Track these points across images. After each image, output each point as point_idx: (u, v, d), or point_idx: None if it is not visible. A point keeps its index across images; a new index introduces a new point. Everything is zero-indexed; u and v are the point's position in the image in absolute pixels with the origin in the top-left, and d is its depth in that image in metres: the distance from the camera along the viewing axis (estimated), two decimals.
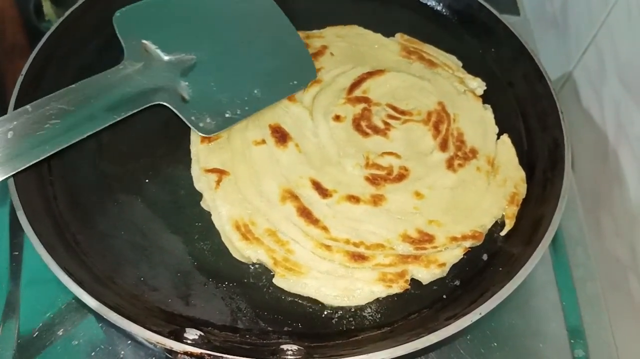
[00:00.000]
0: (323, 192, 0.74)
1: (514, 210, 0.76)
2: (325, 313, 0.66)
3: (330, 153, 0.78)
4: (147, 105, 0.73)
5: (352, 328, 0.65)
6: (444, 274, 0.70)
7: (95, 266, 0.67)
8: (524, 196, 0.77)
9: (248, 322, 0.64)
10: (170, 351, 0.58)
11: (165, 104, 0.74)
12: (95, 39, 0.88)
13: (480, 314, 0.61)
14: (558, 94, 0.83)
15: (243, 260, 0.69)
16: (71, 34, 0.85)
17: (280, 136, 0.78)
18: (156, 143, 0.78)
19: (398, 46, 0.92)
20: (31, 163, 0.66)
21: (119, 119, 0.71)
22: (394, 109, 0.83)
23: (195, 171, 0.75)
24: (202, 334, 0.60)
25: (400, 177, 0.76)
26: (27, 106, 0.67)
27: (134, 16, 0.79)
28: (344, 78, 0.86)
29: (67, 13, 0.86)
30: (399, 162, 0.78)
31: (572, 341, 0.74)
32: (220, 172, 0.74)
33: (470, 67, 0.90)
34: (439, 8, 0.99)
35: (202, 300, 0.65)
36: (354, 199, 0.73)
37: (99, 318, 0.68)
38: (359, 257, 0.69)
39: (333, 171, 0.76)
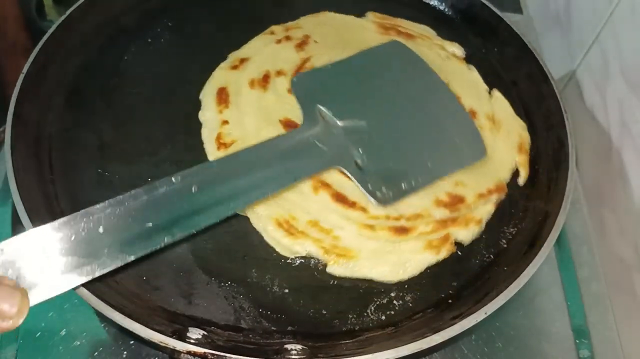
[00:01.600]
0: None
1: (524, 158, 0.80)
2: (329, 313, 0.66)
3: None
4: (324, 169, 0.72)
5: (357, 327, 0.64)
6: (482, 230, 0.73)
7: None
8: (529, 143, 0.82)
9: (251, 321, 0.64)
10: (173, 351, 0.57)
11: (343, 169, 0.72)
12: (96, 38, 0.87)
13: (485, 313, 0.61)
14: (561, 92, 0.83)
15: (291, 256, 0.70)
16: (72, 33, 0.85)
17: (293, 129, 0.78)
18: (160, 143, 0.78)
19: (373, 25, 0.94)
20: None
21: (289, 184, 0.70)
22: None
23: None
24: (205, 333, 0.60)
25: None
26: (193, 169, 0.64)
27: (310, 81, 0.80)
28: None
29: (68, 12, 0.85)
30: None
31: (577, 341, 0.74)
32: None
33: (473, 66, 0.90)
34: (441, 7, 0.99)
35: (205, 299, 0.65)
36: None
37: (102, 317, 0.68)
38: (402, 230, 0.71)
39: None
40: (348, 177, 0.72)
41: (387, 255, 0.69)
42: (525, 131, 0.83)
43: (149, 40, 0.90)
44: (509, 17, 0.92)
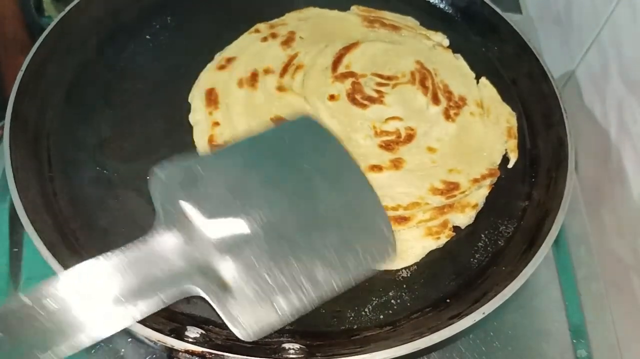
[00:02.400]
0: None
1: (513, 143, 0.82)
2: (327, 312, 0.66)
3: (339, 131, 0.79)
4: (177, 297, 0.57)
5: (355, 326, 0.65)
6: (479, 210, 0.75)
7: None
8: (517, 127, 0.84)
9: None
10: (172, 350, 0.57)
11: (201, 293, 0.57)
12: (95, 35, 0.87)
13: (483, 313, 0.61)
14: (561, 92, 0.83)
15: None
16: (71, 30, 0.85)
17: None
18: (158, 140, 0.78)
19: (358, 18, 0.96)
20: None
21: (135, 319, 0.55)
22: (380, 76, 0.87)
23: None
24: (204, 332, 0.60)
25: (410, 137, 0.81)
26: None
27: (177, 176, 0.61)
28: (322, 58, 0.88)
29: (67, 9, 0.85)
30: (403, 124, 0.82)
31: (574, 340, 0.74)
32: None
33: (474, 65, 0.90)
34: (442, 5, 0.99)
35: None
36: (376, 168, 0.77)
37: None
38: (401, 220, 0.72)
39: (347, 147, 0.75)
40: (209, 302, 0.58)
41: None
42: (513, 117, 0.85)
43: (148, 37, 0.90)
44: (509, 18, 0.93)
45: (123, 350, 0.68)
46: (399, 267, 0.70)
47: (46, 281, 0.52)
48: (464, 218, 0.74)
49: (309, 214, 0.63)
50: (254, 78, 0.84)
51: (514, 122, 0.85)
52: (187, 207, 0.59)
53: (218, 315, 0.63)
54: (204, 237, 0.58)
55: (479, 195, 0.76)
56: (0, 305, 0.52)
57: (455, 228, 0.74)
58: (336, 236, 0.62)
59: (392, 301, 0.67)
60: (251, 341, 0.57)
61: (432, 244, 0.72)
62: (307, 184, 0.65)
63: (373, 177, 0.75)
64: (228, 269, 0.58)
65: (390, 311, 0.66)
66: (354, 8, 0.97)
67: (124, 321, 0.54)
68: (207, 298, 0.57)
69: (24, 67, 0.77)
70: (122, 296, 0.54)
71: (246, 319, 0.57)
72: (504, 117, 0.85)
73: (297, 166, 0.66)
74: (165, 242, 0.57)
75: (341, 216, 0.64)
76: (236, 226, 0.59)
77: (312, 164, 0.66)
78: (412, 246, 0.71)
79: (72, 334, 0.52)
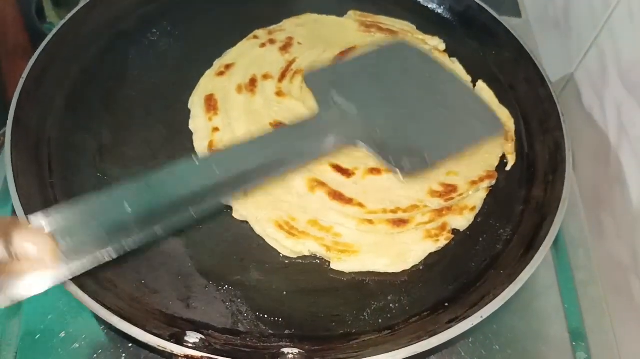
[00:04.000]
0: (345, 172, 0.76)
1: (511, 146, 0.83)
2: (326, 316, 0.66)
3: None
4: (344, 144, 0.71)
5: (353, 331, 0.65)
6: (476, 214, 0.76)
7: (95, 269, 0.66)
8: (514, 130, 0.84)
9: (249, 325, 0.64)
10: (171, 354, 0.57)
11: (363, 144, 0.70)
12: (96, 42, 0.88)
13: (481, 317, 0.61)
14: (560, 95, 0.83)
15: (294, 256, 0.70)
16: (72, 37, 0.85)
17: None
18: (159, 146, 0.79)
19: (355, 23, 0.97)
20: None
21: (315, 158, 0.72)
22: None
23: None
24: (203, 337, 0.60)
25: None
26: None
27: (321, 75, 0.80)
28: (320, 63, 0.88)
29: (68, 16, 0.86)
30: None
31: (574, 343, 0.74)
32: None
33: (471, 69, 0.91)
34: (439, 10, 1.00)
35: (203, 303, 0.65)
36: (375, 171, 0.77)
37: (100, 320, 0.68)
38: (400, 222, 0.73)
39: (347, 151, 0.78)
40: (369, 152, 0.71)
41: (388, 247, 0.71)
42: (510, 120, 0.85)
43: (147, 44, 0.90)
44: (508, 21, 0.93)
45: (124, 355, 0.68)
46: (398, 270, 0.70)
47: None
48: (462, 221, 0.75)
49: (429, 102, 0.79)
50: (253, 83, 0.85)
51: (511, 125, 0.85)
52: (337, 97, 0.74)
53: (217, 320, 0.64)
54: (354, 115, 0.73)
55: (477, 198, 0.77)
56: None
57: (454, 231, 0.74)
58: (454, 115, 0.77)
59: (391, 305, 0.67)
60: (407, 178, 0.71)
61: (432, 246, 0.72)
62: (422, 83, 0.81)
63: (372, 180, 0.76)
64: (376, 133, 0.71)
65: (389, 315, 0.66)
66: (350, 13, 0.98)
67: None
68: (367, 147, 0.70)
69: (25, 74, 0.78)
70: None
71: (397, 163, 0.69)
72: (501, 120, 0.84)
73: (409, 72, 0.82)
74: (328, 117, 0.72)
75: (456, 103, 0.79)
76: (375, 108, 0.75)
77: (421, 71, 0.82)
78: (411, 249, 0.71)
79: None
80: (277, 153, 0.66)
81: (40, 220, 0.52)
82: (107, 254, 0.55)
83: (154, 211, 0.58)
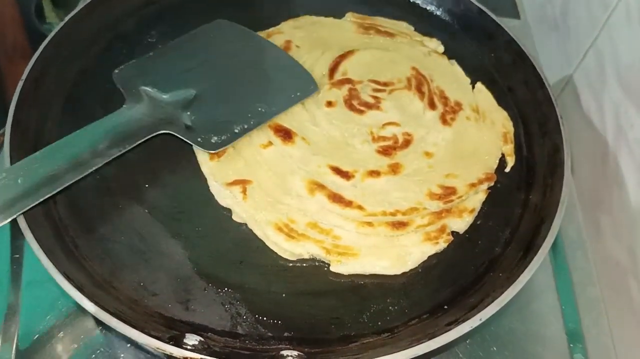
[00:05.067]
0: (345, 174, 0.76)
1: (510, 147, 0.83)
2: (325, 319, 0.66)
3: (337, 137, 0.80)
4: (151, 135, 0.75)
5: (352, 333, 0.65)
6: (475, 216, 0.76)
7: (94, 271, 0.66)
8: (513, 132, 0.84)
9: (248, 327, 0.64)
10: (170, 357, 0.58)
11: (169, 131, 0.76)
12: (96, 43, 0.88)
13: (480, 320, 0.61)
14: (558, 97, 0.83)
15: (294, 259, 0.70)
16: (71, 39, 0.85)
17: (284, 133, 0.79)
18: (158, 148, 0.78)
19: (353, 25, 0.97)
20: (38, 201, 0.66)
21: (123, 151, 0.73)
22: (376, 82, 0.88)
23: (215, 187, 0.75)
24: (202, 339, 0.60)
25: (407, 142, 0.82)
26: (36, 154, 0.70)
27: (131, 70, 0.83)
28: (319, 65, 0.89)
29: (67, 17, 0.86)
30: (400, 129, 0.83)
31: (571, 345, 0.74)
32: (243, 182, 0.74)
33: (470, 72, 0.91)
34: (438, 12, 1.00)
35: (202, 305, 0.65)
36: (374, 173, 0.77)
37: (99, 322, 0.68)
38: (399, 225, 0.73)
39: (346, 153, 0.79)
40: (180, 138, 0.76)
41: (387, 250, 0.71)
42: (508, 121, 0.86)
43: (147, 46, 0.90)
44: (506, 23, 0.93)
45: (122, 356, 0.68)
46: (397, 273, 0.70)
47: None
48: (461, 223, 0.75)
49: (241, 75, 0.86)
50: None
51: (510, 127, 0.85)
52: (146, 89, 0.80)
53: (216, 322, 0.64)
54: (163, 104, 0.79)
55: (476, 200, 0.77)
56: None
57: (453, 234, 0.74)
58: (267, 85, 0.86)
59: (390, 307, 0.67)
60: (215, 151, 0.76)
61: (431, 249, 0.72)
62: (234, 58, 0.88)
63: (371, 183, 0.76)
64: (187, 117, 0.79)
65: (388, 318, 0.66)
66: (348, 15, 0.98)
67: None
68: (173, 132, 0.76)
69: (24, 76, 0.78)
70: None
71: (207, 141, 0.76)
72: (500, 122, 0.86)
73: (226, 49, 0.89)
74: (134, 110, 0.77)
75: (268, 73, 0.87)
76: (185, 92, 0.81)
77: (235, 47, 0.89)
78: (411, 252, 0.71)
79: None
80: (82, 152, 0.71)
81: None
82: None
83: None
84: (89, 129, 0.74)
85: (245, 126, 0.78)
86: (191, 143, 0.76)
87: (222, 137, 0.77)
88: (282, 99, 0.83)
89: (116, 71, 0.82)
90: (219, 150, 0.76)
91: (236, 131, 0.78)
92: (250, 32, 0.91)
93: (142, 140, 0.74)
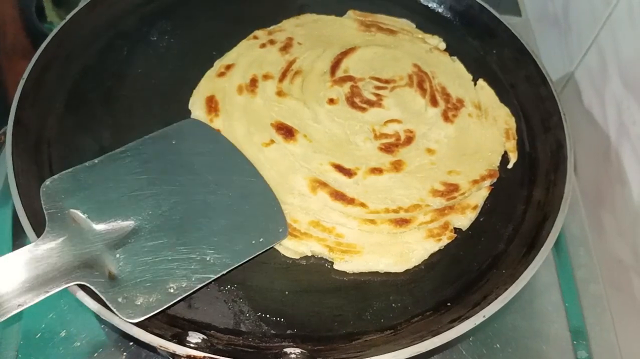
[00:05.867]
0: (347, 172, 0.76)
1: (512, 144, 0.83)
2: (328, 316, 0.66)
3: (339, 135, 0.80)
4: (62, 288, 0.59)
5: (356, 330, 0.65)
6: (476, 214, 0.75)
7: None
8: (515, 129, 0.84)
9: (251, 325, 0.64)
10: (173, 355, 0.57)
11: (85, 283, 0.60)
12: (96, 42, 0.88)
13: (484, 317, 0.61)
14: (560, 94, 0.83)
15: (297, 257, 0.70)
16: (72, 38, 0.85)
17: (286, 131, 0.79)
18: None
19: (355, 22, 0.97)
20: None
21: (25, 307, 0.57)
22: (378, 80, 0.88)
23: None
24: (205, 337, 0.60)
25: (409, 139, 0.82)
26: None
27: (64, 184, 0.68)
28: (320, 63, 0.89)
29: (69, 16, 0.86)
30: (402, 126, 0.83)
31: (574, 342, 0.74)
32: None
33: (472, 69, 0.91)
34: (440, 10, 1.00)
35: (205, 303, 0.65)
36: (377, 170, 0.77)
37: (101, 320, 0.68)
38: (402, 222, 0.73)
39: (348, 150, 0.79)
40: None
41: (390, 247, 0.71)
42: (511, 118, 0.85)
43: (148, 44, 0.90)
44: (508, 20, 0.93)
45: (125, 354, 0.68)
46: (401, 270, 0.70)
47: None
48: (464, 220, 0.74)
49: (197, 205, 0.69)
50: (253, 84, 0.85)
51: (512, 123, 0.85)
52: (76, 212, 0.65)
53: (219, 320, 0.64)
54: (90, 237, 0.64)
55: (479, 196, 0.77)
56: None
57: (456, 230, 0.74)
58: (225, 222, 0.69)
59: (393, 304, 0.67)
60: (135, 321, 0.59)
61: (434, 246, 0.72)
62: (195, 179, 0.71)
63: (373, 180, 0.76)
64: (114, 261, 0.63)
65: (391, 315, 0.66)
66: (350, 13, 0.98)
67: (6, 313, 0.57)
68: (91, 286, 0.60)
69: (25, 75, 0.78)
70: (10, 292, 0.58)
71: (131, 302, 0.60)
72: (502, 118, 0.85)
73: (185, 163, 0.73)
74: (52, 246, 0.62)
75: (230, 204, 0.70)
76: (122, 224, 0.66)
77: (200, 160, 0.73)
78: (414, 249, 0.71)
79: None
80: None
81: None
82: None
83: None
84: None
85: (184, 284, 0.62)
86: (108, 304, 0.59)
87: (150, 299, 0.60)
88: (240, 244, 0.67)
89: (47, 183, 0.67)
90: (140, 320, 0.59)
91: (170, 290, 0.61)
92: (224, 139, 0.77)
93: (51, 293, 0.58)
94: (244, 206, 0.71)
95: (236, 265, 0.65)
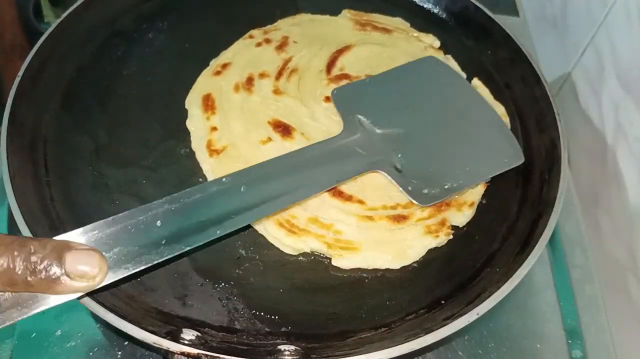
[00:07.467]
0: None
1: None
2: (323, 314, 0.66)
3: (336, 132, 0.79)
4: (365, 171, 0.74)
5: (350, 328, 0.65)
6: (473, 213, 0.75)
7: None
8: (510, 128, 0.83)
9: (245, 322, 0.64)
10: (167, 352, 0.57)
11: (383, 172, 0.74)
12: (93, 41, 0.88)
13: (477, 314, 0.61)
14: (557, 94, 0.83)
15: (295, 253, 0.71)
16: (68, 36, 0.85)
17: (283, 129, 0.80)
18: (155, 146, 0.78)
19: (350, 21, 0.97)
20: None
21: (335, 184, 0.72)
22: None
23: None
24: (199, 334, 0.60)
25: None
26: (222, 178, 0.66)
27: (348, 93, 0.83)
28: (316, 61, 0.89)
29: (64, 14, 0.86)
30: None
31: (569, 341, 0.74)
32: None
33: (467, 68, 0.91)
34: (435, 10, 1.00)
35: (199, 301, 0.65)
36: None
37: (96, 318, 0.68)
38: (400, 218, 0.73)
39: None
40: (389, 180, 0.74)
41: (388, 243, 0.71)
42: (505, 117, 0.85)
43: (144, 43, 0.90)
44: (505, 20, 0.93)
45: (120, 353, 0.68)
46: (399, 266, 0.70)
47: None
48: (461, 217, 0.74)
49: (452, 125, 0.82)
50: (249, 82, 0.85)
51: (507, 122, 0.85)
52: (362, 118, 0.79)
53: (214, 318, 0.64)
54: (377, 138, 0.77)
55: (475, 193, 0.77)
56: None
57: (453, 228, 0.74)
58: (476, 141, 0.81)
59: (387, 302, 0.67)
60: (425, 204, 0.72)
61: (432, 242, 0.72)
62: (446, 105, 0.84)
63: (371, 177, 0.76)
64: (398, 160, 0.76)
65: (385, 313, 0.66)
66: (345, 12, 0.98)
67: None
68: (386, 174, 0.74)
69: (21, 72, 0.78)
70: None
71: (418, 191, 0.73)
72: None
73: (435, 91, 0.86)
74: (351, 139, 0.76)
75: (479, 129, 0.82)
76: (399, 131, 0.79)
77: (446, 92, 0.86)
78: (412, 245, 0.71)
79: None
80: (299, 178, 0.69)
81: (80, 237, 0.56)
82: (136, 268, 0.58)
83: (183, 230, 0.61)
84: (306, 151, 0.73)
85: (455, 185, 0.74)
86: (402, 190, 0.73)
87: (433, 191, 0.73)
88: (488, 164, 0.78)
89: (335, 91, 0.82)
90: (430, 205, 0.73)
91: (446, 187, 0.74)
92: (460, 77, 0.89)
93: (351, 177, 0.73)
94: (487, 132, 0.82)
95: (490, 175, 0.77)
